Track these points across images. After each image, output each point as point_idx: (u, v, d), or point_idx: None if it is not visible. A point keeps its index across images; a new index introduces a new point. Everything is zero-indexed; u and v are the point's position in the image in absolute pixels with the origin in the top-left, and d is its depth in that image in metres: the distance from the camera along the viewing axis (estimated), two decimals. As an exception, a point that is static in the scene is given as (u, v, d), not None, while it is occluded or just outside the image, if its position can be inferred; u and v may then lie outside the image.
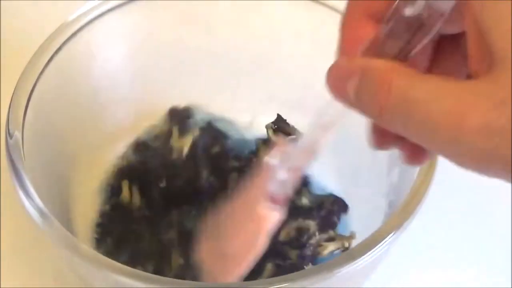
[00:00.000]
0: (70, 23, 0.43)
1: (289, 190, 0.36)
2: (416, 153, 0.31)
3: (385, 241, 0.35)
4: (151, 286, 0.33)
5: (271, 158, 0.37)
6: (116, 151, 0.49)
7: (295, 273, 0.34)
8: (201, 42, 0.49)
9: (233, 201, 0.41)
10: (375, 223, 0.38)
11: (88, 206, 0.46)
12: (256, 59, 0.49)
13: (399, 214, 0.36)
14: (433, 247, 0.48)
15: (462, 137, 0.23)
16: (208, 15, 0.48)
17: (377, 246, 0.34)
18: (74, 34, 0.43)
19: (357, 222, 0.46)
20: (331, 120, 0.32)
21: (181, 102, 0.51)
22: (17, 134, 0.38)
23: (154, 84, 0.50)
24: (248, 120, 0.51)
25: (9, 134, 0.38)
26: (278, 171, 0.36)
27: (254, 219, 0.37)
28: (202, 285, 0.37)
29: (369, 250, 0.34)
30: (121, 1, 0.45)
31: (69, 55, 0.43)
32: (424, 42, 0.27)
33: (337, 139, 0.47)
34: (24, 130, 0.38)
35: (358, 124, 0.45)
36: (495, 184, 0.47)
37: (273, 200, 0.37)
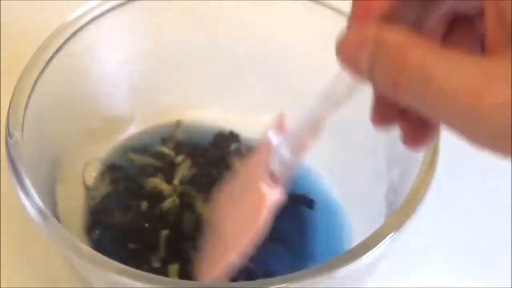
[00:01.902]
0: (70, 23, 0.43)
1: (291, 169, 0.35)
2: (416, 135, 0.30)
3: (385, 241, 0.35)
4: (151, 286, 0.33)
5: (273, 136, 0.36)
6: (118, 151, 0.49)
7: (295, 273, 0.33)
8: (201, 42, 0.49)
9: (232, 181, 0.40)
10: (375, 223, 0.38)
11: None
12: (257, 60, 0.49)
13: (399, 214, 0.36)
14: (433, 247, 0.48)
15: (480, 112, 0.23)
16: (209, 15, 0.48)
17: (377, 246, 0.34)
18: (74, 34, 0.43)
19: (357, 222, 0.46)
20: (338, 96, 0.31)
21: (182, 102, 0.51)
22: (17, 134, 0.38)
23: (154, 85, 0.50)
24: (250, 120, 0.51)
25: (9, 134, 0.38)
26: (280, 150, 0.35)
27: (254, 198, 0.36)
28: (202, 285, 0.37)
29: (369, 250, 0.34)
30: (121, 1, 0.45)
31: (69, 55, 0.43)
32: (442, 10, 0.26)
33: (337, 140, 0.47)
34: (24, 130, 0.38)
35: (357, 126, 0.45)
36: (495, 184, 0.47)
37: (274, 179, 0.36)
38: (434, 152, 0.38)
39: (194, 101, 0.52)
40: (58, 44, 0.42)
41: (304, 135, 0.34)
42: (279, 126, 0.36)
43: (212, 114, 0.52)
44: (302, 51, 0.48)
